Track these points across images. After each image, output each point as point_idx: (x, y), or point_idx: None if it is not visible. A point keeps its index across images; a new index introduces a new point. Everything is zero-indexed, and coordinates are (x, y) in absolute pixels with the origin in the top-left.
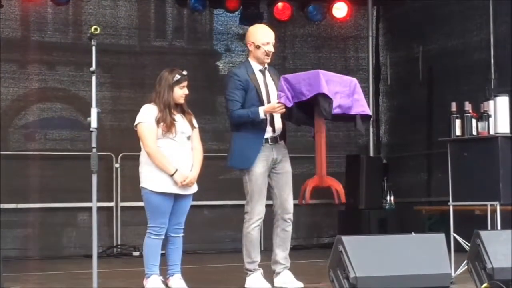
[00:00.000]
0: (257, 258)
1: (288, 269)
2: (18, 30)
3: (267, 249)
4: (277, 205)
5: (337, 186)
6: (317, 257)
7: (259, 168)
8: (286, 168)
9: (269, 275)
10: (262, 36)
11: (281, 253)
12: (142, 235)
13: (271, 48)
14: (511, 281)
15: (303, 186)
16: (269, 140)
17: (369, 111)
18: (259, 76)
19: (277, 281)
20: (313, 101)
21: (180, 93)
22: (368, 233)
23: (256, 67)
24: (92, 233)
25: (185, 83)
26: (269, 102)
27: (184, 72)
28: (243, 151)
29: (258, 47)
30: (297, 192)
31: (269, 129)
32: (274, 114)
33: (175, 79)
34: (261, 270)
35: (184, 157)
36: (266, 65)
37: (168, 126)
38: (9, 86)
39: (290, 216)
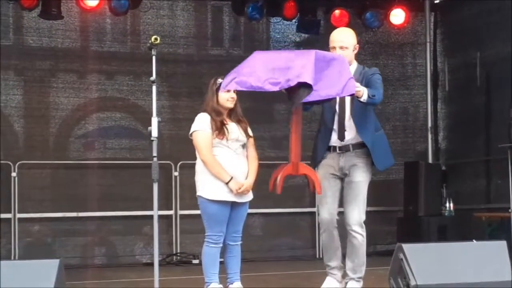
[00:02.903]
0: (330, 262)
1: (356, 280)
2: (77, 40)
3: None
4: (344, 216)
5: (313, 175)
6: (376, 265)
7: (319, 173)
8: (352, 178)
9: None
10: (329, 41)
11: (349, 264)
12: (202, 243)
13: (336, 53)
14: None
15: (274, 173)
16: (337, 149)
17: (309, 79)
18: None
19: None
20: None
21: (226, 96)
22: (428, 240)
23: None
24: (154, 241)
25: None
26: (341, 102)
27: None
28: (312, 157)
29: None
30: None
31: (334, 137)
32: (345, 121)
33: (218, 83)
34: (337, 276)
35: (239, 165)
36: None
37: (219, 128)
38: (70, 96)
39: (352, 227)
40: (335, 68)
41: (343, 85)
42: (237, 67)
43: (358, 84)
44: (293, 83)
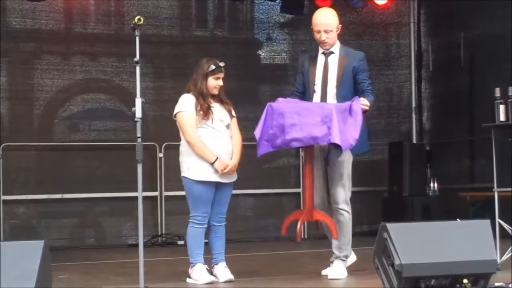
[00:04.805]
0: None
1: (342, 259)
2: (61, 22)
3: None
4: (331, 195)
5: (328, 221)
6: (361, 245)
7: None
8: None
9: None
10: (313, 23)
11: (335, 242)
12: (187, 224)
13: (322, 37)
14: None
15: (287, 219)
16: None
17: (337, 141)
18: (320, 59)
19: (326, 270)
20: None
21: (214, 83)
22: (412, 220)
23: (320, 50)
24: (139, 223)
25: (220, 75)
26: (324, 85)
27: (221, 64)
28: None
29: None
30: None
31: None
32: (327, 101)
33: (210, 69)
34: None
35: (224, 145)
36: (333, 49)
37: (205, 111)
38: (54, 77)
39: (339, 206)
40: (350, 118)
41: (354, 131)
42: (261, 127)
43: (365, 102)
44: (322, 142)
